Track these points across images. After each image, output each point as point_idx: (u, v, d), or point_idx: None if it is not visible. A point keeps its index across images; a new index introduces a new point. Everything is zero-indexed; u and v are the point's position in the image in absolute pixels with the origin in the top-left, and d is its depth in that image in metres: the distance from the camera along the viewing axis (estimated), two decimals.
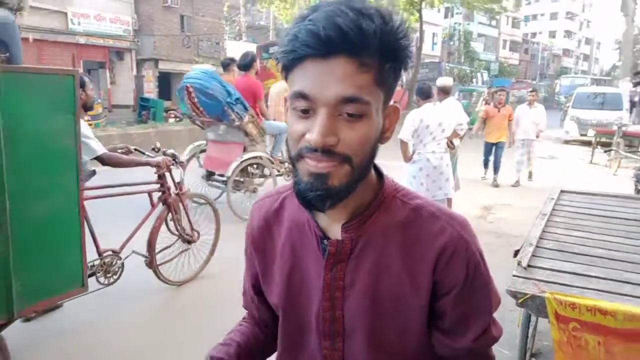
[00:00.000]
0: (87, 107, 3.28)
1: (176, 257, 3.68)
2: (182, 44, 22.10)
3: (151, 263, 3.44)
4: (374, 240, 0.83)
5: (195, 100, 5.43)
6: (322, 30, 0.68)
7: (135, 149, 3.55)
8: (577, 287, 1.86)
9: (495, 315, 0.88)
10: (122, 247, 3.23)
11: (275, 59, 11.37)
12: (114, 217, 3.69)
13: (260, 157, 5.65)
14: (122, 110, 19.49)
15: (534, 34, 64.04)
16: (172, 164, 3.48)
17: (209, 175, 5.93)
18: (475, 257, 0.82)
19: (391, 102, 0.80)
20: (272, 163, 5.89)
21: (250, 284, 1.02)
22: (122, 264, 3.21)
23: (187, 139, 9.51)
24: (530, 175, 8.19)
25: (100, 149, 3.01)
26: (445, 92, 5.57)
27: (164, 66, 21.58)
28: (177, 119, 16.05)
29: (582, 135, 13.43)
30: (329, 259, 0.84)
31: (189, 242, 3.73)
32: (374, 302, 0.83)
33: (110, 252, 3.15)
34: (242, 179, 5.64)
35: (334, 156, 0.72)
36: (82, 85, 3.10)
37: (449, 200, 4.75)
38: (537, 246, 2.26)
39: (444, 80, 5.74)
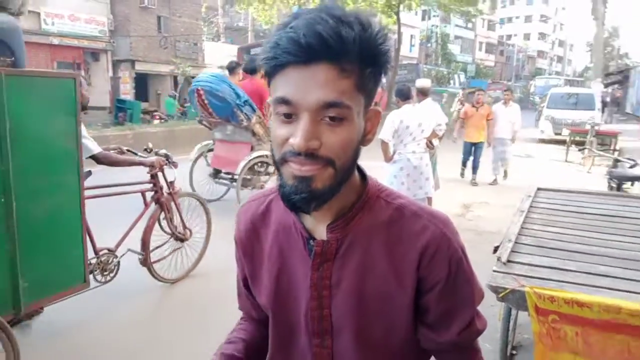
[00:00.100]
0: (82, 107, 3.30)
1: (170, 255, 3.74)
2: (159, 45, 21.84)
3: (145, 261, 3.51)
4: (359, 240, 0.85)
5: (206, 102, 5.70)
6: (302, 37, 0.69)
7: (128, 150, 3.58)
8: (555, 280, 1.92)
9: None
10: (117, 246, 3.28)
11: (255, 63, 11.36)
12: (107, 216, 3.69)
13: (266, 156, 5.79)
14: (98, 112, 19.13)
15: (509, 36, 65.21)
16: (165, 164, 3.53)
17: (216, 173, 6.21)
18: (458, 254, 0.84)
19: (372, 106, 0.81)
20: None
21: (243, 285, 1.03)
22: (118, 262, 3.26)
23: (163, 140, 9.46)
24: (505, 174, 8.30)
25: (96, 148, 3.04)
26: (423, 93, 5.64)
27: (140, 67, 21.29)
28: (163, 120, 15.98)
29: (556, 134, 13.70)
30: (315, 259, 0.85)
31: (182, 241, 3.80)
32: (361, 300, 0.85)
33: (106, 251, 3.20)
34: (249, 177, 5.85)
35: (317, 159, 0.74)
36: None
37: (429, 199, 4.82)
38: (515, 242, 2.32)
39: (423, 82, 5.83)
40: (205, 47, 24.65)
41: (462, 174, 8.45)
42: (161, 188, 3.58)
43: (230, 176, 6.01)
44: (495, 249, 2.28)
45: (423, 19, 41.51)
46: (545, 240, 2.37)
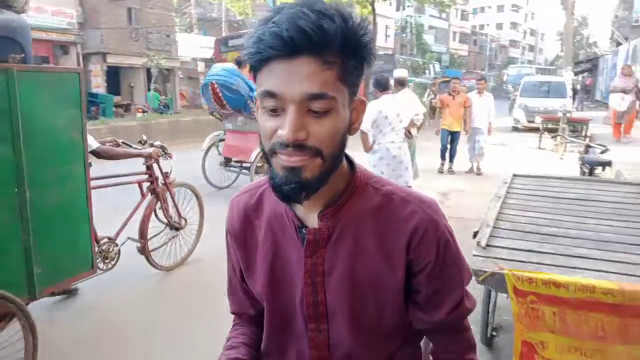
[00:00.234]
0: None
1: (166, 244, 3.86)
2: (130, 37, 21.35)
3: (144, 249, 3.61)
4: (350, 226, 0.87)
5: (220, 95, 6.03)
6: (285, 32, 0.71)
7: (123, 142, 3.62)
8: (532, 263, 1.98)
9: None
10: (117, 235, 3.39)
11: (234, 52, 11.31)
12: (102, 206, 3.71)
13: None
14: None
15: (482, 26, 66.02)
16: (162, 155, 3.62)
17: (227, 162, 6.63)
18: (445, 235, 0.87)
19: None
20: None
21: (239, 279, 1.03)
22: (119, 250, 3.35)
23: (139, 133, 9.35)
24: (479, 170, 8.21)
25: (95, 143, 3.08)
26: (401, 83, 5.69)
27: (112, 60, 20.79)
28: (145, 113, 15.88)
29: (529, 122, 13.96)
30: (308, 247, 0.87)
31: (177, 229, 3.91)
32: (354, 285, 0.87)
33: (106, 240, 3.27)
34: (260, 164, 6.11)
35: (305, 150, 0.75)
36: None
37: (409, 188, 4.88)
38: (494, 227, 2.38)
39: (400, 72, 5.87)
40: (178, 38, 24.21)
41: (442, 170, 8.33)
42: (157, 178, 3.68)
43: (240, 164, 6.46)
44: (475, 234, 2.34)
45: (397, 9, 41.62)
46: (522, 225, 2.44)
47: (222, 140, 6.72)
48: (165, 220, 3.82)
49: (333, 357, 0.92)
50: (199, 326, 2.90)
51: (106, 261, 3.24)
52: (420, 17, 45.22)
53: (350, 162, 0.91)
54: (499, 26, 68.67)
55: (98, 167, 3.22)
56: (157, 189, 3.67)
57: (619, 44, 24.16)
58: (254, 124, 5.98)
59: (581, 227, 2.40)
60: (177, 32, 24.93)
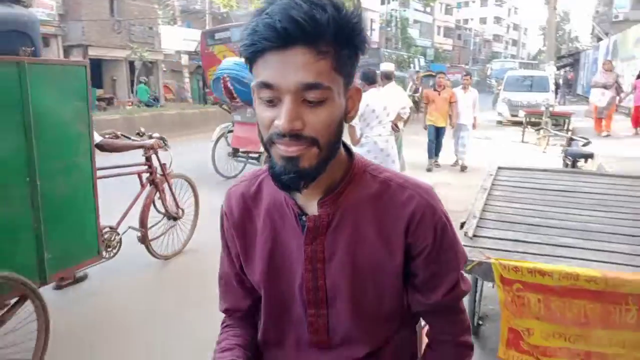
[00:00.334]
0: None
1: (165, 234, 3.95)
2: (112, 29, 21.00)
3: (144, 238, 3.70)
4: (349, 213, 0.89)
5: (231, 88, 6.21)
6: (278, 23, 0.72)
7: (122, 134, 3.64)
8: (518, 252, 2.04)
9: None
10: (118, 224, 3.45)
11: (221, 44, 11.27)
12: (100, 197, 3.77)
13: None
14: None
15: (466, 20, 66.40)
16: (162, 146, 3.69)
17: (235, 152, 6.91)
18: (442, 220, 0.90)
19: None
20: None
21: (236, 269, 1.03)
22: (120, 239, 3.41)
23: (122, 126, 9.28)
24: (463, 168, 8.07)
25: (98, 137, 3.11)
26: (387, 77, 5.73)
27: (94, 52, 20.40)
28: (135, 106, 15.91)
29: (513, 116, 14.08)
30: (308, 234, 0.89)
31: (175, 219, 4.00)
32: (353, 270, 0.89)
33: (108, 229, 3.31)
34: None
35: (301, 139, 0.77)
36: None
37: None
38: (480, 218, 2.43)
39: (387, 66, 5.91)
40: (161, 31, 23.88)
41: (430, 169, 8.07)
42: (155, 169, 3.75)
43: (246, 154, 6.78)
44: (462, 225, 2.38)
45: (382, 3, 41.60)
46: (508, 215, 2.50)
47: (231, 131, 7.02)
48: (164, 211, 3.90)
49: (332, 340, 0.94)
50: (196, 313, 2.95)
51: (108, 249, 3.29)
52: (405, 10, 45.29)
53: (348, 150, 0.93)
54: (483, 20, 69.15)
55: (98, 159, 3.28)
56: (156, 180, 3.75)
57: (599, 39, 24.53)
58: None
59: (565, 218, 2.46)
60: (160, 25, 24.57)
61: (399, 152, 5.51)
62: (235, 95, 6.28)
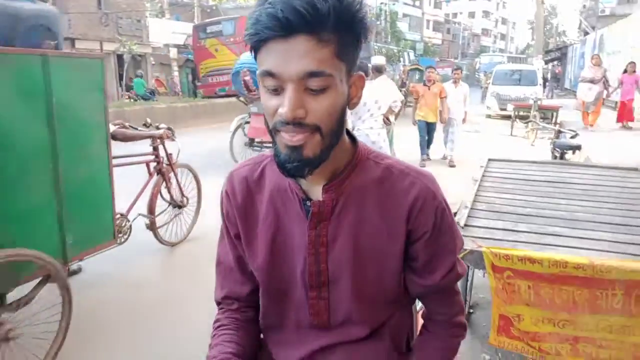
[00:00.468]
0: None
1: (171, 221, 4.09)
2: (100, 22, 20.74)
3: (152, 225, 3.82)
4: (353, 199, 0.91)
5: (250, 81, 6.44)
6: (280, 12, 0.73)
7: (130, 125, 3.70)
8: (508, 241, 2.08)
9: None
10: (128, 211, 3.54)
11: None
12: None
13: None
14: None
15: (455, 14, 66.52)
16: (169, 136, 3.83)
17: (251, 142, 7.18)
18: (442, 205, 0.93)
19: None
20: None
21: (239, 252, 1.03)
22: (130, 225, 3.50)
23: (113, 119, 9.23)
24: (451, 158, 8.09)
25: (111, 127, 3.17)
26: (378, 70, 5.72)
27: (81, 46, 20.11)
28: (133, 100, 15.85)
29: (502, 109, 14.16)
30: (312, 219, 0.91)
31: (180, 207, 4.14)
32: (355, 254, 0.92)
33: (119, 215, 3.35)
34: None
35: (304, 127, 0.79)
36: None
37: None
38: (471, 208, 2.47)
39: (378, 59, 5.91)
40: (149, 24, 23.63)
41: (423, 165, 7.73)
42: (162, 159, 3.87)
43: (261, 144, 7.04)
44: (454, 215, 2.42)
45: None
46: (498, 206, 2.55)
47: (247, 122, 7.35)
48: (169, 199, 4.03)
49: (332, 322, 0.97)
50: (206, 297, 2.99)
51: (119, 235, 3.35)
52: (394, 4, 45.23)
53: (352, 138, 0.95)
54: (472, 14, 69.31)
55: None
56: (163, 169, 3.87)
57: (586, 33, 24.77)
58: None
59: (554, 207, 2.51)
60: (148, 17, 24.32)
61: (390, 145, 5.56)
62: (252, 88, 6.52)
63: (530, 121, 8.57)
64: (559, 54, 29.67)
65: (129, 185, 3.66)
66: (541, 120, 10.07)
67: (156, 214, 3.89)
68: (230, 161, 7.07)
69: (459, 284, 2.52)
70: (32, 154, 2.44)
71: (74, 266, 3.46)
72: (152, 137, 3.77)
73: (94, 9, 20.44)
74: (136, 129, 3.73)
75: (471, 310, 2.89)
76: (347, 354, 0.97)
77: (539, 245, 2.03)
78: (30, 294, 2.37)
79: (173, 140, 3.94)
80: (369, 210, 0.92)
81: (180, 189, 4.13)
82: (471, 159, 6.41)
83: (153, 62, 23.61)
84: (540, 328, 1.95)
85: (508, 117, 12.06)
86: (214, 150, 8.29)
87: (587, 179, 3.08)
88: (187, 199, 4.20)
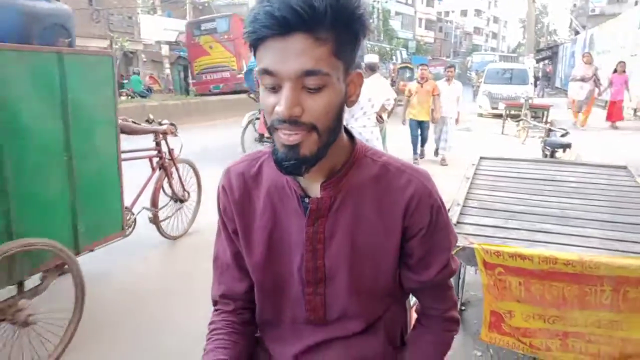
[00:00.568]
0: None
1: (173, 215, 4.18)
2: (91, 19, 20.58)
3: (155, 218, 3.91)
4: (350, 196, 0.92)
5: None
6: (277, 11, 0.74)
7: (132, 121, 3.70)
8: (500, 237, 2.11)
9: None
10: (132, 204, 3.60)
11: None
12: None
13: None
14: None
15: (447, 13, 66.72)
16: (173, 131, 3.91)
17: (261, 137, 7.34)
18: (437, 203, 0.95)
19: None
20: None
21: (236, 248, 1.03)
22: (135, 219, 3.56)
23: None
24: (443, 157, 8.10)
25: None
26: (371, 68, 5.74)
27: None
28: (130, 97, 15.87)
29: (493, 108, 14.20)
30: (310, 216, 0.92)
31: (182, 202, 4.24)
32: (352, 250, 0.93)
33: (125, 208, 3.37)
34: None
35: (300, 126, 0.79)
36: None
37: None
38: (463, 205, 2.50)
39: (371, 58, 5.92)
40: (140, 20, 23.48)
41: (417, 161, 7.87)
42: (164, 154, 3.95)
43: (271, 139, 7.28)
44: None
45: None
46: (490, 203, 2.57)
47: (258, 118, 7.50)
48: (171, 193, 4.11)
49: (328, 317, 0.98)
50: (205, 289, 3.02)
51: (124, 228, 3.38)
52: (386, 2, 45.25)
53: (350, 135, 0.96)
54: (464, 13, 69.57)
55: None
56: (165, 164, 3.95)
57: (577, 32, 24.96)
58: None
59: (544, 205, 2.54)
60: (140, 14, 24.17)
61: (383, 143, 5.58)
62: None
63: (522, 120, 8.62)
64: (550, 53, 29.85)
65: (132, 180, 3.71)
66: (532, 119, 10.14)
67: (161, 207, 3.97)
68: (224, 159, 7.06)
69: (452, 280, 2.56)
70: (48, 147, 2.53)
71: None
72: (156, 133, 3.84)
73: (85, 5, 20.27)
74: (138, 124, 3.75)
75: (463, 308, 2.92)
76: (343, 348, 0.99)
77: (529, 242, 2.06)
78: (45, 282, 2.48)
79: (176, 135, 4.01)
80: (366, 207, 0.93)
81: (182, 183, 4.21)
82: (463, 158, 6.45)
83: (145, 59, 23.46)
84: (530, 324, 1.98)
85: (500, 116, 12.12)
86: (216, 147, 8.27)
87: (577, 177, 3.12)
88: (189, 194, 4.29)
